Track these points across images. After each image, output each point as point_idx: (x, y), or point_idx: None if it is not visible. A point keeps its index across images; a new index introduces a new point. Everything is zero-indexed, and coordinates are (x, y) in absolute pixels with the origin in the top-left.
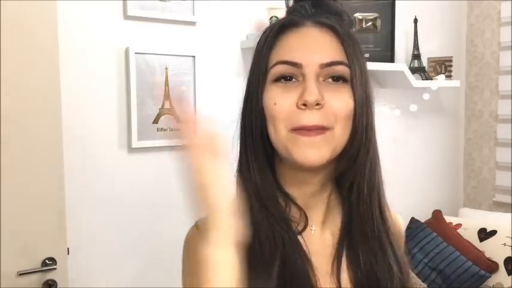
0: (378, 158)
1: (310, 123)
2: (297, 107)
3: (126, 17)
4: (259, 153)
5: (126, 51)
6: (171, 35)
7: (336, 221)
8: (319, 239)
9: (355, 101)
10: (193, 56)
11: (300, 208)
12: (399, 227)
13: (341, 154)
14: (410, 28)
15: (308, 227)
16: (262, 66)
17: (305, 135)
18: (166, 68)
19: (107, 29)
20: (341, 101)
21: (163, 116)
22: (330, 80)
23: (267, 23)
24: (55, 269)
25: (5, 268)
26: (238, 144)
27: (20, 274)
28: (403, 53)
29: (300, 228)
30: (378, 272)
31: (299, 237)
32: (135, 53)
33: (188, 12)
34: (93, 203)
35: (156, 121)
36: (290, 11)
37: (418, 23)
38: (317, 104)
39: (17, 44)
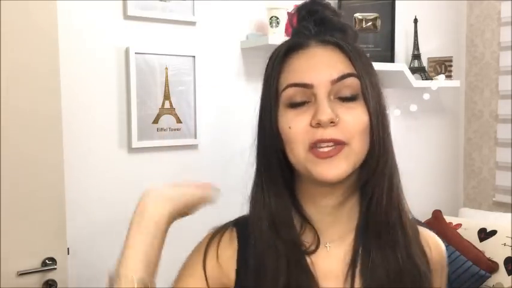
0: (396, 167)
1: (325, 137)
2: (311, 126)
3: (126, 17)
4: (276, 176)
5: (126, 51)
6: (171, 35)
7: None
8: (334, 256)
9: (369, 114)
10: (193, 56)
11: (312, 228)
12: (439, 256)
13: (361, 166)
14: (410, 28)
15: (322, 245)
16: (273, 91)
17: (323, 157)
18: (166, 68)
19: (107, 29)
20: (355, 117)
21: (163, 116)
22: (342, 97)
23: (266, 24)
24: (55, 269)
25: (5, 268)
26: (255, 169)
27: (20, 274)
28: (403, 53)
29: (312, 248)
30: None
31: (312, 257)
32: (135, 53)
33: (188, 12)
34: (93, 203)
35: (156, 121)
36: (294, 32)
37: (418, 23)
38: (331, 122)
39: (17, 44)
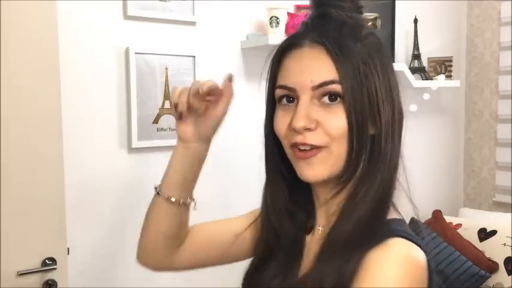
0: (388, 171)
1: (301, 141)
2: (290, 129)
3: (126, 17)
4: (274, 170)
5: (126, 51)
6: (171, 35)
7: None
8: (321, 239)
9: (348, 118)
10: (193, 56)
11: (311, 212)
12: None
13: (346, 166)
14: (410, 28)
15: (316, 227)
16: (270, 89)
17: (301, 157)
18: (166, 68)
19: (107, 29)
20: (336, 120)
21: (163, 116)
22: (327, 98)
23: (266, 24)
24: (55, 269)
25: (5, 268)
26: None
27: (20, 274)
28: (403, 53)
29: (308, 230)
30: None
31: (310, 238)
32: (135, 53)
33: (188, 12)
34: (93, 203)
35: (156, 121)
36: (299, 27)
37: (418, 23)
38: (307, 129)
39: (17, 44)
